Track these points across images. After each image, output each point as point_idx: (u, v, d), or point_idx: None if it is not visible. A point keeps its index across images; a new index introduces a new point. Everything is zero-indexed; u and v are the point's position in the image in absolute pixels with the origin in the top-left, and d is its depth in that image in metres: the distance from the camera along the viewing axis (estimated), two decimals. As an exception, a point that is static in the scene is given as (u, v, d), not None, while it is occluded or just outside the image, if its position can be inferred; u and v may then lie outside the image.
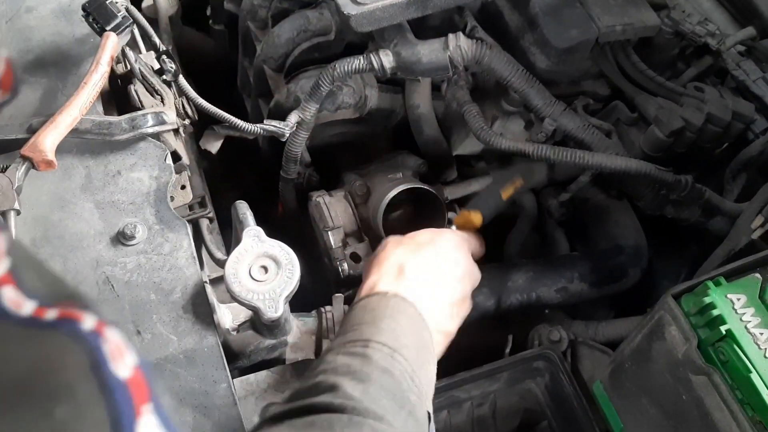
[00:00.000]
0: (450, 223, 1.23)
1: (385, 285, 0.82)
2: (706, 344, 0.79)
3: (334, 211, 1.17)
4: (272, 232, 0.88)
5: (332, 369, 0.68)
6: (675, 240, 1.35)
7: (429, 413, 0.72)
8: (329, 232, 1.15)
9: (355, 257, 1.14)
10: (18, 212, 0.86)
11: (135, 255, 0.89)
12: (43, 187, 0.94)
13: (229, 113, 1.08)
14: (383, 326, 0.74)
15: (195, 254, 0.91)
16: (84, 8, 0.99)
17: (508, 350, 1.10)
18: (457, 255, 0.91)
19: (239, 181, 1.61)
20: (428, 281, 0.85)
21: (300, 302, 1.10)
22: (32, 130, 0.94)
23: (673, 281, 1.34)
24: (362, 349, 0.70)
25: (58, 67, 1.05)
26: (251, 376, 0.88)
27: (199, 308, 0.87)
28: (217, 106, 1.09)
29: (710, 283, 0.80)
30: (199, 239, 1.21)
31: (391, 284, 0.82)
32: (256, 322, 0.95)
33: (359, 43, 1.26)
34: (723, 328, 0.77)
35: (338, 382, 0.65)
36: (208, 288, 0.93)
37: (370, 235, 1.18)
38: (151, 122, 0.99)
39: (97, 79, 0.95)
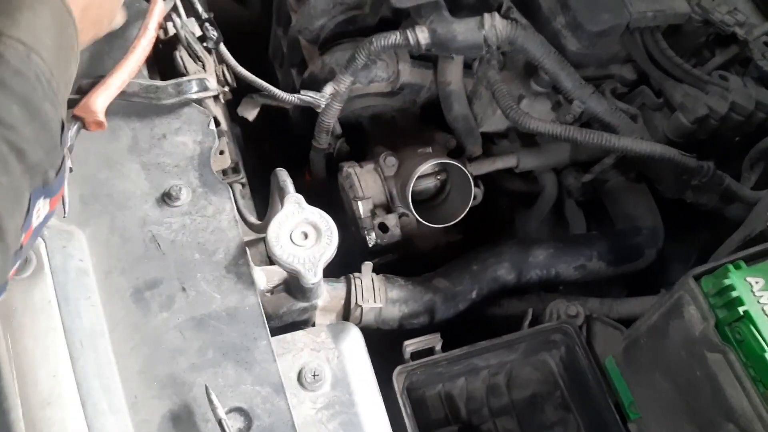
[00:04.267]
0: (475, 198, 1.26)
1: None
2: (723, 324, 0.84)
3: (364, 182, 1.21)
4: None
5: None
6: (687, 225, 1.38)
7: (63, 122, 0.64)
8: (359, 202, 1.19)
9: (383, 227, 1.18)
10: (71, 170, 0.89)
11: (180, 216, 0.93)
12: (91, 148, 0.97)
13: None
14: (20, 18, 0.62)
15: (237, 217, 0.94)
16: (132, -27, 1.01)
17: (527, 323, 1.15)
18: None
19: (268, 151, 1.63)
20: None
21: (326, 270, 1.15)
22: (82, 91, 0.96)
23: (683, 264, 1.38)
24: None
25: (104, 30, 1.07)
26: (288, 336, 0.92)
27: (241, 269, 0.90)
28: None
29: (731, 266, 0.84)
30: (232, 204, 1.25)
31: None
32: (292, 285, 0.99)
33: (392, 18, 1.29)
34: (741, 309, 0.81)
35: None
36: (248, 252, 0.97)
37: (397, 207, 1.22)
38: (195, 88, 1.01)
39: (145, 44, 0.98)
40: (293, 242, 0.89)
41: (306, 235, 0.89)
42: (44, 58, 0.61)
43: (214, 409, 0.78)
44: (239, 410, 0.82)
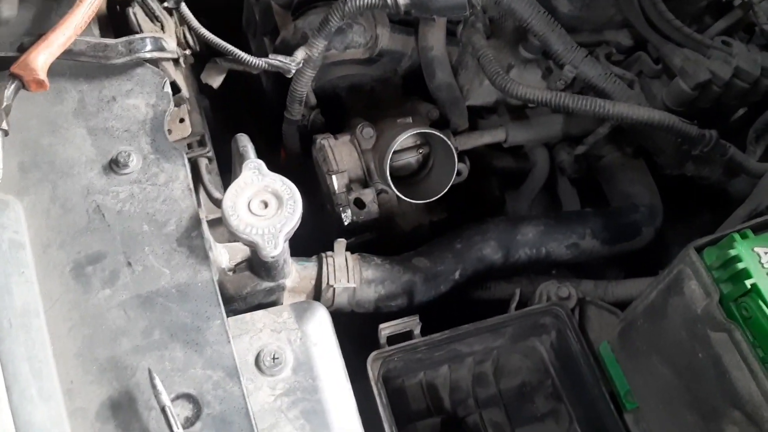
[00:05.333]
0: (459, 174, 1.18)
1: None
2: (728, 299, 0.75)
3: (339, 154, 1.12)
4: (275, 173, 0.83)
5: None
6: (687, 206, 1.30)
7: None
8: (333, 176, 1.10)
9: (359, 203, 1.09)
10: (5, 133, 0.81)
11: (128, 184, 0.84)
12: (33, 110, 0.89)
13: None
14: None
15: (191, 186, 0.86)
16: None
17: (514, 305, 1.06)
18: None
19: (241, 126, 1.55)
20: None
21: (302, 252, 1.06)
22: (23, 49, 0.88)
23: (684, 246, 1.29)
24: None
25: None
26: (246, 315, 0.84)
27: (194, 242, 0.82)
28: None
29: (736, 236, 0.75)
30: (197, 179, 1.17)
31: None
32: (254, 262, 0.91)
33: (372, -18, 1.20)
34: (748, 283, 0.72)
35: None
36: (205, 225, 0.88)
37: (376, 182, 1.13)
38: (149, 47, 0.93)
39: (93, -2, 0.90)
40: (251, 212, 0.80)
41: (266, 204, 0.81)
42: None
43: (157, 395, 0.70)
44: (187, 396, 0.74)
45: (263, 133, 1.44)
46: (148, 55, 0.93)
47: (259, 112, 1.39)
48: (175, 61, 1.02)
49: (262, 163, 0.84)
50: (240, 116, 1.48)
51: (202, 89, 1.24)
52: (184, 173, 0.87)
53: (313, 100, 1.21)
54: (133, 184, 0.85)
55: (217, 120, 1.38)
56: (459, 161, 1.19)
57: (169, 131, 0.97)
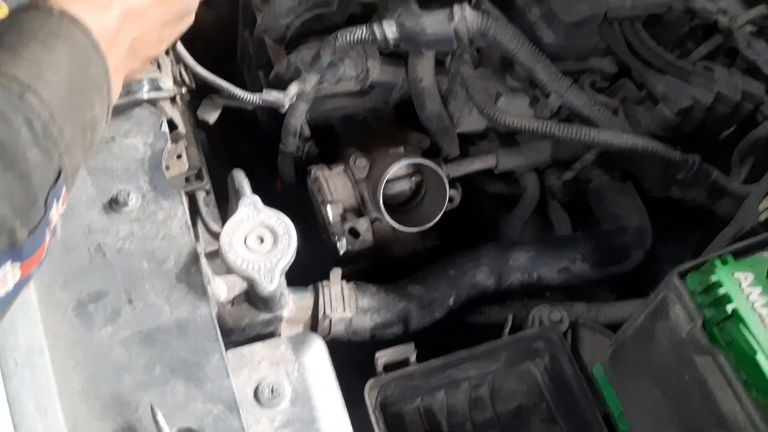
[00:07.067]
0: (452, 200, 1.21)
1: None
2: (711, 324, 0.77)
3: (333, 185, 1.15)
4: (271, 207, 0.86)
5: None
6: (678, 225, 1.33)
7: (59, 172, 0.57)
8: (328, 206, 1.13)
9: (354, 232, 1.12)
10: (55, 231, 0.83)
11: (128, 222, 0.87)
12: (34, 152, 0.91)
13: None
14: (26, 54, 0.56)
15: (189, 222, 0.88)
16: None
17: (507, 330, 1.09)
18: None
19: (237, 156, 1.58)
20: None
21: (299, 281, 1.09)
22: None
23: (676, 265, 1.32)
24: None
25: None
26: (245, 348, 0.86)
27: (193, 278, 0.84)
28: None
29: (717, 261, 0.78)
30: (195, 212, 1.19)
31: None
32: (252, 295, 0.93)
33: (362, 14, 1.24)
34: (729, 307, 0.74)
35: None
36: (203, 259, 0.91)
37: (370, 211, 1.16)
38: (146, 87, 0.96)
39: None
40: (248, 247, 0.83)
41: (262, 240, 0.84)
42: (44, 98, 0.55)
43: (159, 430, 0.72)
44: (188, 431, 0.76)
45: (260, 161, 1.47)
46: (146, 96, 0.96)
47: (255, 142, 1.42)
48: (172, 99, 1.05)
49: (257, 199, 0.87)
50: (236, 146, 1.51)
51: (198, 122, 1.27)
52: (182, 210, 0.90)
53: (307, 132, 1.24)
54: (132, 222, 0.87)
55: (213, 151, 1.41)
56: (451, 188, 1.22)
57: (167, 167, 0.99)
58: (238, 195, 0.90)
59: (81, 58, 0.60)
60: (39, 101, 0.54)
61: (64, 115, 0.56)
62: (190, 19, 0.78)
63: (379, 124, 1.30)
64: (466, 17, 1.08)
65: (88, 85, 0.60)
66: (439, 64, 1.26)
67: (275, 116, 1.16)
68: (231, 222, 0.84)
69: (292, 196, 1.30)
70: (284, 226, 0.84)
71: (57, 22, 0.59)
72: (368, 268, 1.21)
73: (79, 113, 0.59)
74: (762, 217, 1.02)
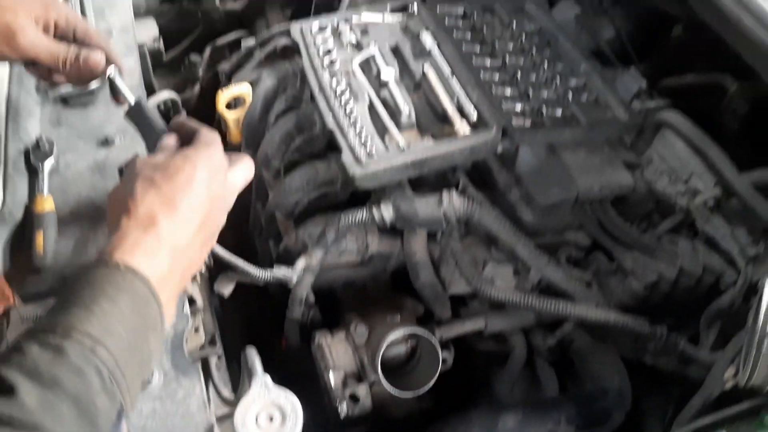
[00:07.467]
0: (444, 362, 1.30)
1: (125, 248, 0.71)
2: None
3: (335, 351, 1.25)
4: (276, 363, 0.94)
5: (18, 362, 0.61)
6: (661, 377, 1.40)
7: (122, 405, 0.66)
8: (330, 373, 1.22)
9: (354, 398, 1.21)
10: None
11: (151, 401, 0.96)
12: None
13: (239, 252, 1.17)
14: (96, 309, 0.66)
15: (206, 399, 0.98)
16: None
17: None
18: (223, 188, 0.83)
19: (246, 309, 1.68)
20: (182, 230, 0.75)
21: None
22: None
23: (659, 419, 1.39)
24: (60, 339, 0.63)
25: (91, 218, 1.16)
26: None
27: (209, 453, 0.93)
28: (228, 246, 1.18)
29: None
30: (207, 376, 1.28)
31: (135, 243, 0.71)
32: (259, 465, 1.01)
33: (362, 193, 1.38)
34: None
35: (17, 384, 0.59)
36: (216, 430, 0.99)
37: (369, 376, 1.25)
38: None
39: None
40: (258, 426, 0.92)
41: (272, 419, 0.93)
42: (111, 349, 0.64)
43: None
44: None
45: (266, 313, 1.58)
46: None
47: (264, 305, 1.54)
48: (192, 278, 1.17)
49: (268, 378, 0.97)
50: (247, 308, 1.62)
51: (212, 289, 1.39)
52: (200, 387, 0.99)
53: (311, 300, 1.36)
54: (155, 401, 0.97)
55: (222, 304, 1.51)
56: (444, 348, 1.32)
57: (186, 340, 1.10)
58: (250, 373, 1.00)
59: (140, 304, 0.70)
60: (107, 352, 0.64)
61: (126, 359, 0.66)
62: (221, 223, 0.86)
63: (377, 289, 1.42)
64: (453, 203, 1.23)
65: (145, 326, 0.70)
66: (431, 236, 1.40)
67: (284, 285, 1.28)
68: (244, 402, 0.94)
69: (296, 357, 1.40)
70: (291, 406, 0.94)
71: (122, 277, 0.69)
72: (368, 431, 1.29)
73: (137, 352, 0.69)
74: (727, 386, 1.11)
